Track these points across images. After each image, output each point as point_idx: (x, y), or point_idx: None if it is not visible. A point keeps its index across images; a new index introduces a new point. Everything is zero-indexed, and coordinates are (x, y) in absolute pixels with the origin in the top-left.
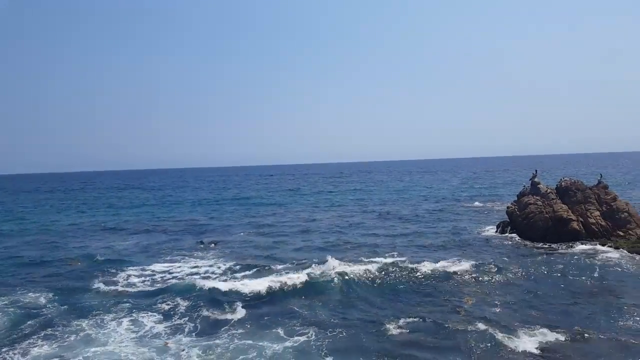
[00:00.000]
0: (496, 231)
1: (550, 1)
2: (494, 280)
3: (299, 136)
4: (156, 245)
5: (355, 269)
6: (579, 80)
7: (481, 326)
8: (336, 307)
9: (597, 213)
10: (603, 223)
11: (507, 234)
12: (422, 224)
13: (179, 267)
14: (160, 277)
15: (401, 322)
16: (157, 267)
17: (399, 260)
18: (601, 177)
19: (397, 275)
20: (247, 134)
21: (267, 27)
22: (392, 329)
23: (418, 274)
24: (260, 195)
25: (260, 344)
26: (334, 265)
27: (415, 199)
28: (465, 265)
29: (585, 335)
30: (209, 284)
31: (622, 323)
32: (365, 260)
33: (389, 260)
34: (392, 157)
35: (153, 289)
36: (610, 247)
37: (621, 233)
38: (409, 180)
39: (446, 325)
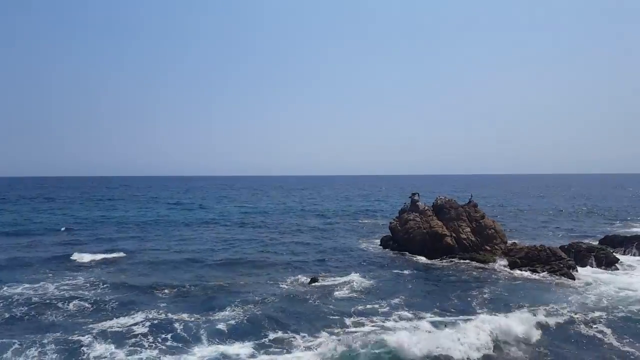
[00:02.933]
0: (380, 245)
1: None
2: (373, 286)
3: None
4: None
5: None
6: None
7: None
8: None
9: (468, 229)
10: (473, 238)
11: (389, 248)
12: (310, 238)
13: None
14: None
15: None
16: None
17: (287, 273)
18: (471, 196)
19: (283, 287)
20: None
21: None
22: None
23: (304, 286)
24: (132, 208)
25: None
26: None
27: (305, 214)
28: (352, 276)
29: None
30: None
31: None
32: (256, 274)
33: (276, 274)
34: (282, 173)
35: None
36: (477, 261)
37: (488, 247)
38: (299, 196)
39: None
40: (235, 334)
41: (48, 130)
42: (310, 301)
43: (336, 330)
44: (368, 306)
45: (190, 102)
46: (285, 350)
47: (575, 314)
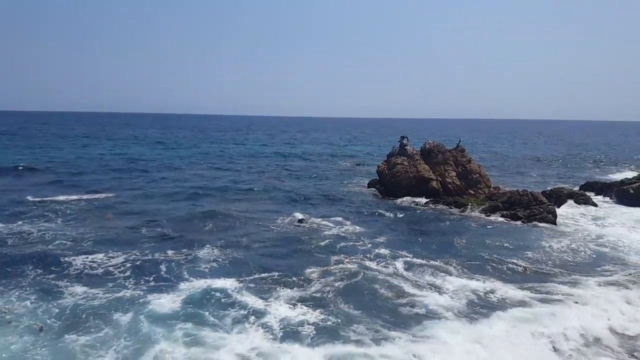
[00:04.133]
0: (367, 188)
1: None
2: (358, 228)
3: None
4: None
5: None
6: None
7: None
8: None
9: (454, 173)
10: (458, 183)
11: (376, 191)
12: (297, 180)
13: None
14: None
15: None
16: None
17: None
18: (460, 141)
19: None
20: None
21: None
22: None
23: (290, 227)
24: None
25: None
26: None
27: (290, 157)
28: (338, 217)
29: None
30: None
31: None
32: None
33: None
34: (273, 113)
35: None
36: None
37: (472, 192)
38: (289, 138)
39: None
40: (221, 272)
41: (25, 60)
42: (296, 241)
43: (321, 269)
44: (350, 244)
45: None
46: (270, 287)
47: (555, 258)
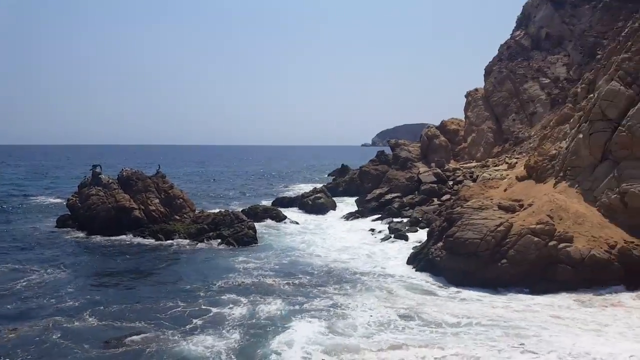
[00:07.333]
0: (56, 226)
1: None
2: (48, 279)
3: None
4: None
5: None
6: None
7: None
8: None
9: (157, 200)
10: (162, 209)
11: (68, 228)
12: None
13: None
14: None
15: None
16: None
17: None
18: (159, 167)
19: None
20: None
21: None
22: None
23: None
24: None
25: None
26: None
27: None
28: (17, 268)
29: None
30: None
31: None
32: None
33: None
34: None
35: None
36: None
37: (178, 217)
38: None
39: None
40: None
41: None
42: None
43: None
44: (36, 299)
45: None
46: None
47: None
